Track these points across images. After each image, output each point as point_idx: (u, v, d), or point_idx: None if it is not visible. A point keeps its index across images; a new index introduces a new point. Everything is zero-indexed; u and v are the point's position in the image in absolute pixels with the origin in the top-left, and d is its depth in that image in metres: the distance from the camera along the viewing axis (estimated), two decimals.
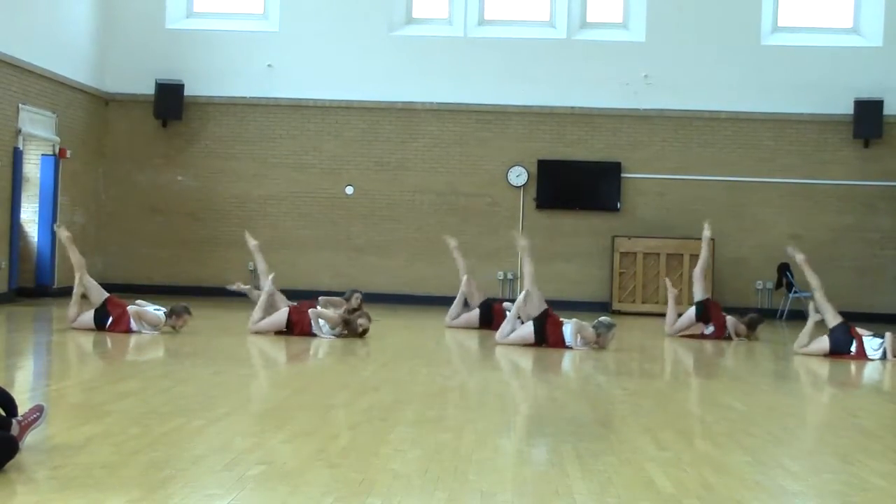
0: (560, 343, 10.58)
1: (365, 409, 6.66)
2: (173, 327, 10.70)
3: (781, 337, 13.32)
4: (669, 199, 16.48)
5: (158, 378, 7.72)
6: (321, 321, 11.03)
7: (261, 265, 12.01)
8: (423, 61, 16.54)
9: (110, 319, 10.60)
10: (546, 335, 10.64)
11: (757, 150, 16.43)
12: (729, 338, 12.25)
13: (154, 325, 10.62)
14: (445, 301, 16.07)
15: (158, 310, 10.83)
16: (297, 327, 11.00)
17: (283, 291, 16.44)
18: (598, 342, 10.61)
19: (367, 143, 16.63)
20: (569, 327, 10.67)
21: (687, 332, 12.46)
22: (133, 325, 10.56)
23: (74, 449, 5.01)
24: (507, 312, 11.38)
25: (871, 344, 10.70)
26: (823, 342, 10.77)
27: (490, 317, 12.37)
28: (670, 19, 16.40)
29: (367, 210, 16.58)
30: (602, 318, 10.91)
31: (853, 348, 10.59)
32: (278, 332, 10.99)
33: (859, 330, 10.87)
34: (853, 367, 10.28)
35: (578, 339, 10.58)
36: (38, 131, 14.53)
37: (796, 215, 16.33)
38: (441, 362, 9.22)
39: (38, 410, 5.06)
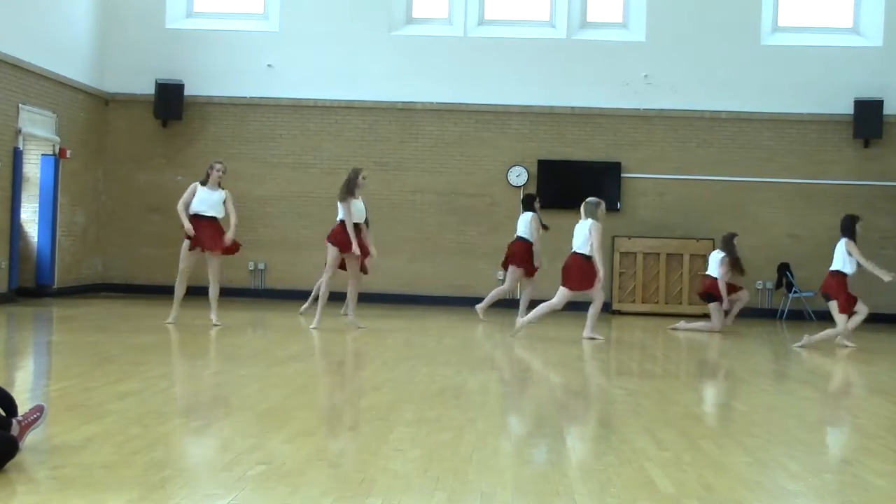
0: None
1: (365, 409, 6.65)
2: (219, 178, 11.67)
3: (781, 337, 13.33)
4: (669, 199, 16.48)
5: (158, 378, 7.71)
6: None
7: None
8: (423, 61, 16.54)
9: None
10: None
11: (757, 150, 16.44)
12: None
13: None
14: (445, 301, 16.12)
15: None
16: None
17: (283, 291, 16.45)
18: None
19: (367, 143, 16.63)
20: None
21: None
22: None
23: (74, 449, 5.00)
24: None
25: None
26: None
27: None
28: (670, 19, 16.40)
29: (367, 210, 16.52)
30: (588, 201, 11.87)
31: None
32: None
33: None
34: (853, 366, 10.29)
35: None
36: (38, 131, 14.53)
37: (796, 215, 16.33)
38: (441, 362, 9.22)
39: (39, 410, 5.05)
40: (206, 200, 11.53)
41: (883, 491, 4.87)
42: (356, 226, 11.73)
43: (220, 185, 11.68)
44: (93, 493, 4.23)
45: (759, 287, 16.23)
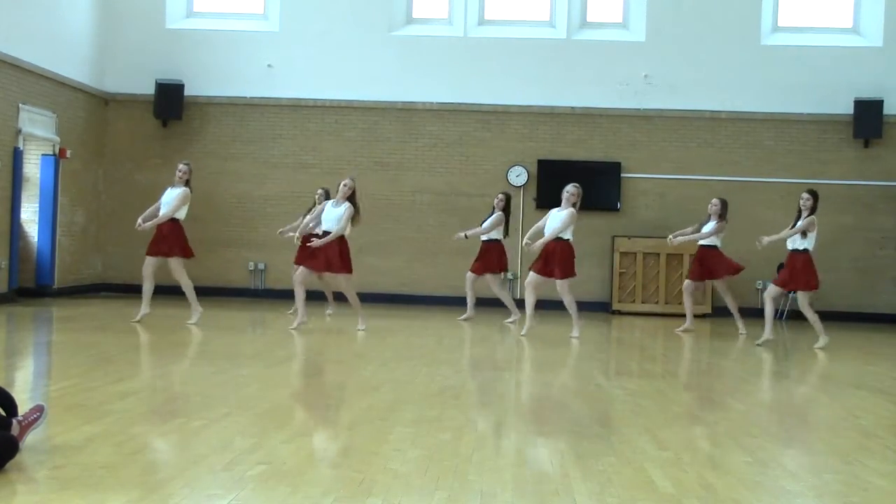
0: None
1: (365, 409, 6.65)
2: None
3: (781, 337, 13.33)
4: (669, 199, 16.48)
5: (158, 378, 7.71)
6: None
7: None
8: (423, 61, 16.54)
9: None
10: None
11: (757, 150, 16.44)
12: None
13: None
14: (445, 301, 16.12)
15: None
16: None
17: (284, 291, 16.46)
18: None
19: (367, 143, 16.63)
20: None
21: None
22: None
23: (74, 449, 5.01)
24: None
25: None
26: None
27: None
28: (670, 19, 16.40)
29: (367, 210, 16.52)
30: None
31: None
32: None
33: None
34: (853, 366, 10.29)
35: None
36: (38, 131, 14.53)
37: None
38: (441, 362, 9.22)
39: (39, 410, 5.05)
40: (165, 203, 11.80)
41: (883, 491, 4.87)
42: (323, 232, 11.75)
43: (185, 185, 11.77)
44: (93, 493, 4.23)
45: (759, 287, 16.23)
